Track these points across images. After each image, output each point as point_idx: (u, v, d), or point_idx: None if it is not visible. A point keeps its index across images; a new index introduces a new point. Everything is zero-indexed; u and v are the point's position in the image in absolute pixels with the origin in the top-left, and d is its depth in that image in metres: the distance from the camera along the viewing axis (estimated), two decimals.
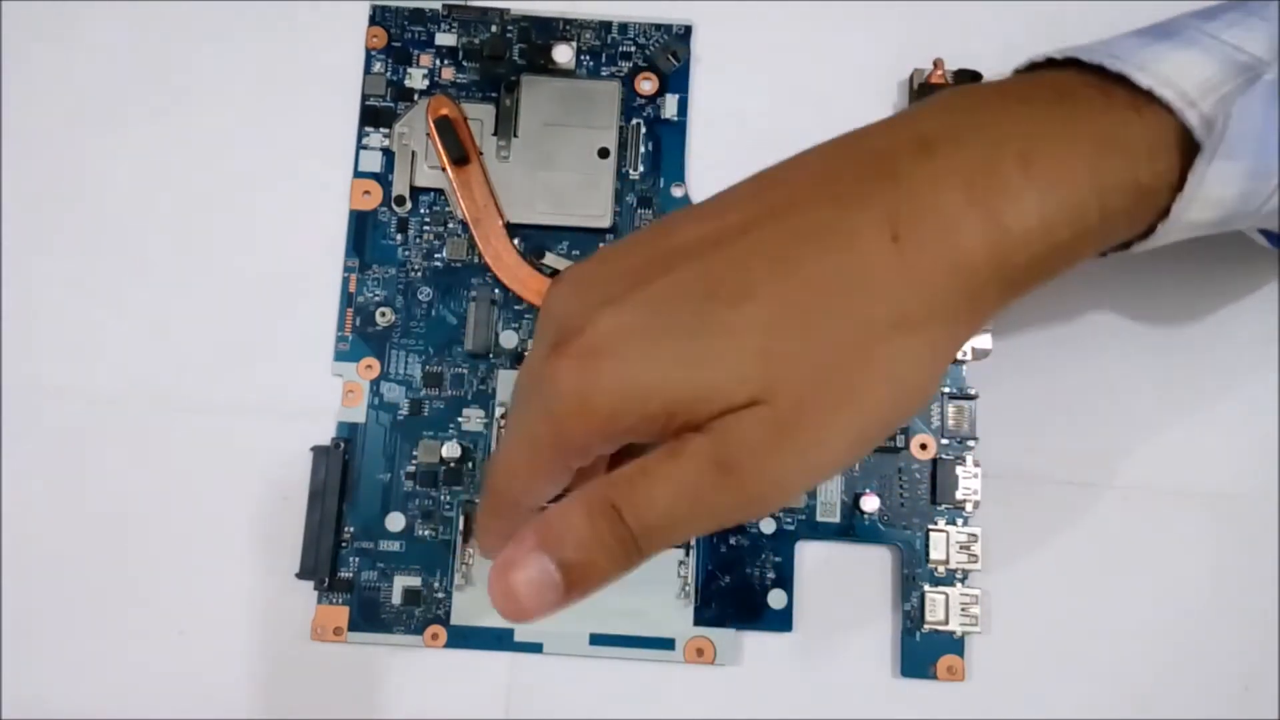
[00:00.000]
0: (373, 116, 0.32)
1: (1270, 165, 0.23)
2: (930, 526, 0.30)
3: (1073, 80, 0.23)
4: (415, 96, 0.32)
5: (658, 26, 0.33)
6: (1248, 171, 0.23)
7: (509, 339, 0.31)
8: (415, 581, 0.30)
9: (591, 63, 0.33)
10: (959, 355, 0.30)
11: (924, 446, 0.31)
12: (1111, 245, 0.24)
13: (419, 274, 0.32)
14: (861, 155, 0.22)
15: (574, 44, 0.32)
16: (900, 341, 0.21)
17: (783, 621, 0.30)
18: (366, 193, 0.32)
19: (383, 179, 0.32)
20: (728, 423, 0.21)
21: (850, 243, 0.21)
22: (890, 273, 0.21)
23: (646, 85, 0.33)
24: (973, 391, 0.31)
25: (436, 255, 0.32)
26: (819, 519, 0.30)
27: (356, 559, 0.30)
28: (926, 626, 0.30)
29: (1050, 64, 0.25)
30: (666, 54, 0.33)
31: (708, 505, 0.21)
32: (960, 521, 0.30)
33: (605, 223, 0.32)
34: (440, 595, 0.30)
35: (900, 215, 0.21)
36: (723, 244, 0.21)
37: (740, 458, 0.21)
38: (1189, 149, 0.22)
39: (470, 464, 0.31)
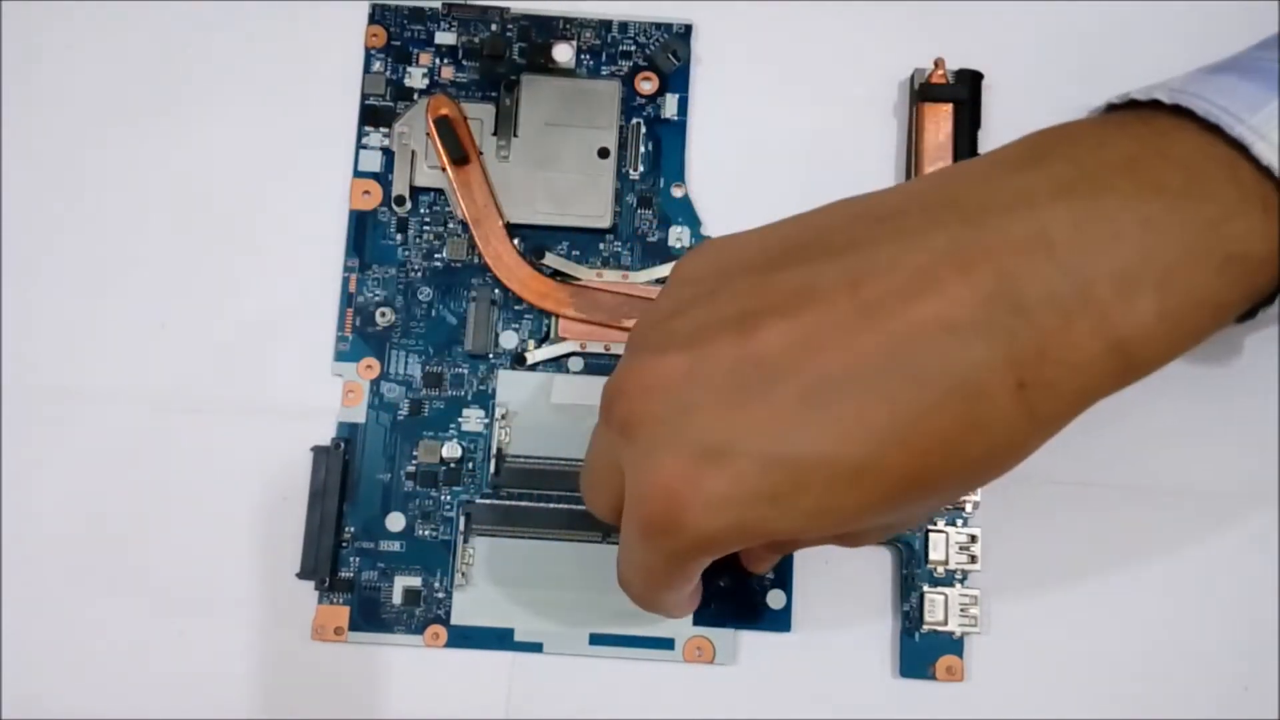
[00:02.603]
0: (372, 116, 0.32)
1: None
2: (929, 527, 0.30)
3: (1196, 154, 0.21)
4: (415, 96, 0.32)
5: (658, 26, 0.33)
6: None
7: (509, 339, 0.31)
8: (415, 581, 0.30)
9: (592, 62, 0.33)
10: None
11: None
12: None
13: (419, 274, 0.32)
14: (970, 247, 0.20)
15: (574, 43, 0.32)
16: (1013, 465, 0.21)
17: (782, 621, 0.30)
18: (366, 193, 0.32)
19: (383, 179, 0.32)
20: None
21: (978, 399, 0.19)
22: (1017, 426, 0.20)
23: (647, 85, 0.33)
24: None
25: (436, 255, 0.32)
26: None
27: (357, 559, 0.30)
28: (926, 627, 0.30)
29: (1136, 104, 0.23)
30: (667, 54, 0.33)
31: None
32: (960, 522, 0.30)
33: (605, 223, 0.32)
34: (440, 595, 0.30)
35: (1027, 364, 0.19)
36: (824, 365, 0.20)
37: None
38: None
39: (470, 464, 0.31)
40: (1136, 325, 0.20)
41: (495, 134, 0.32)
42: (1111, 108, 0.23)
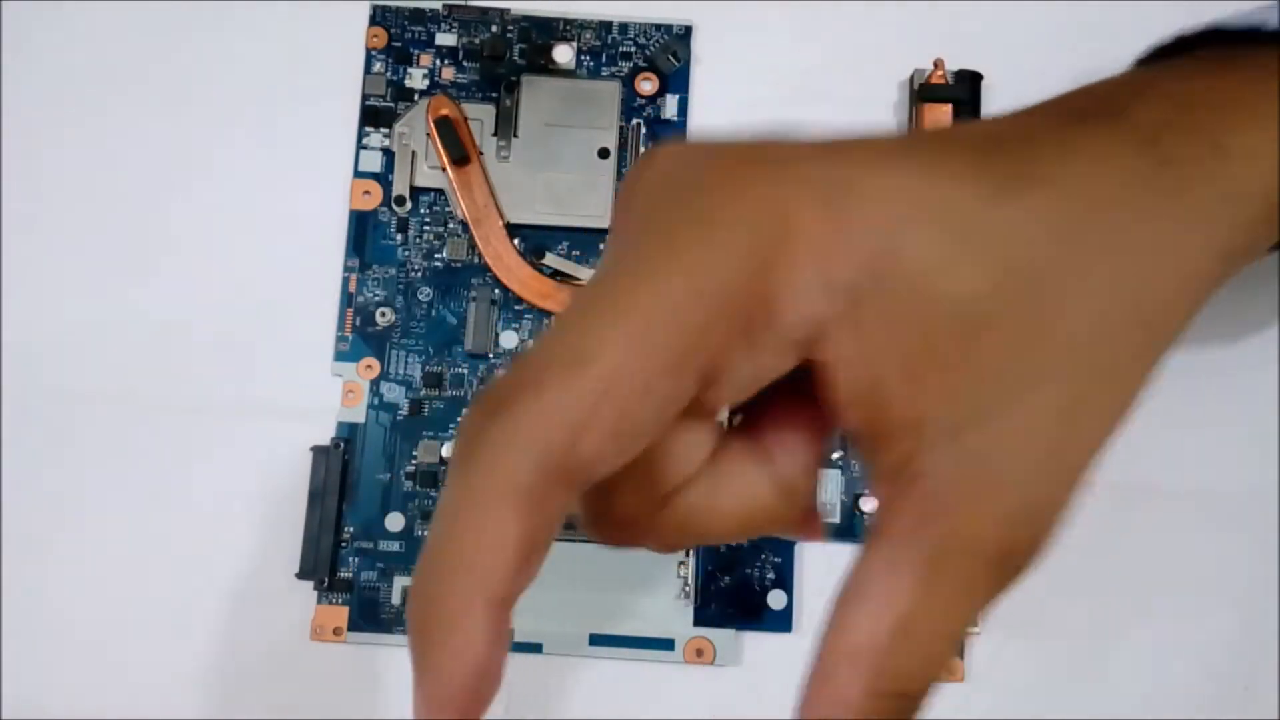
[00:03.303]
0: (373, 116, 0.32)
1: None
2: None
3: (1220, 51, 0.21)
4: (415, 96, 0.32)
5: (658, 26, 0.33)
6: None
7: (509, 339, 0.31)
8: None
9: (592, 63, 0.33)
10: None
11: None
12: None
13: (419, 274, 0.32)
14: (1050, 115, 0.19)
15: (574, 44, 0.32)
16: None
17: (783, 622, 0.30)
18: (366, 193, 0.32)
19: (383, 179, 0.32)
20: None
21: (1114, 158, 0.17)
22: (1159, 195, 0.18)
23: (647, 85, 0.33)
24: None
25: (436, 255, 0.32)
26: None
27: (356, 559, 0.30)
28: None
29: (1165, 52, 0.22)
30: (667, 54, 0.33)
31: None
32: None
33: (605, 223, 0.32)
34: None
35: (1150, 144, 0.18)
36: None
37: None
38: None
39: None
40: (1252, 151, 0.19)
41: (495, 134, 0.32)
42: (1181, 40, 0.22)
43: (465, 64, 0.33)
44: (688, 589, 0.30)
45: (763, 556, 0.30)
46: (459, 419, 0.31)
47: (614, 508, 0.17)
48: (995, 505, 0.16)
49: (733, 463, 0.17)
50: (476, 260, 0.32)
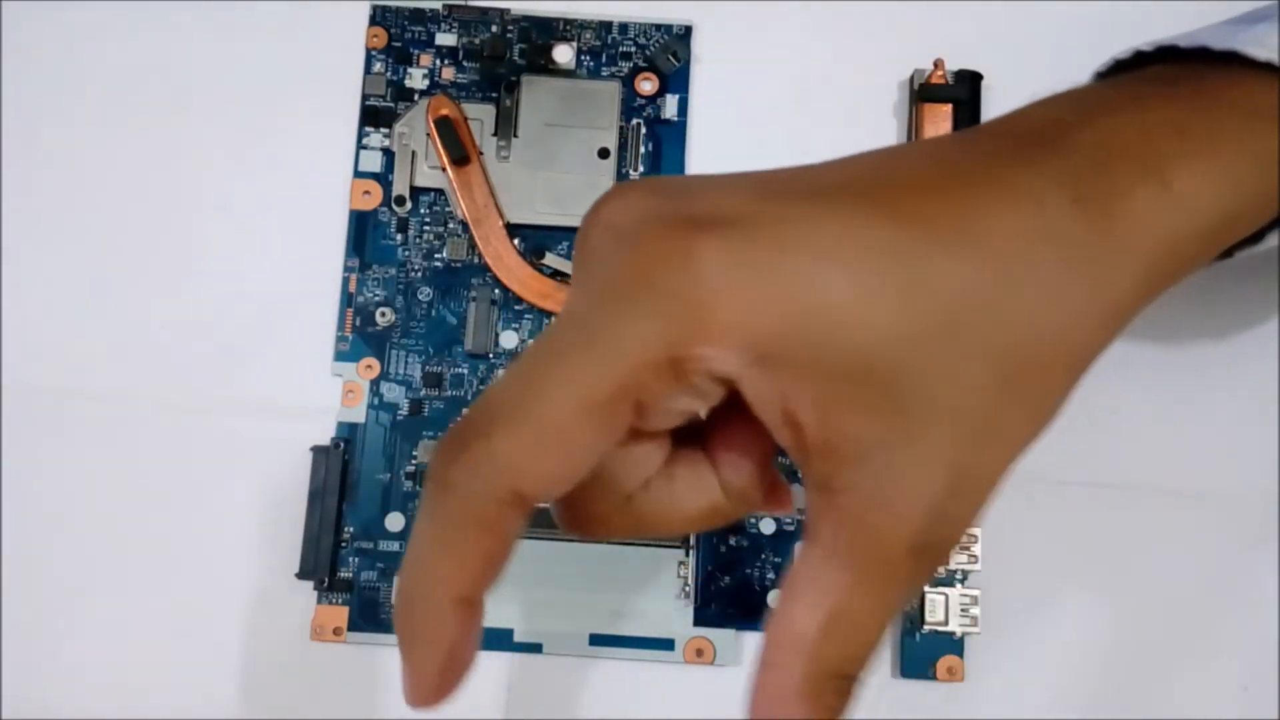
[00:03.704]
0: (373, 116, 0.32)
1: None
2: None
3: (1173, 70, 0.22)
4: (415, 96, 0.32)
5: (658, 26, 0.33)
6: None
7: (509, 339, 0.31)
8: None
9: (592, 63, 0.33)
10: None
11: None
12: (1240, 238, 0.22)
13: (419, 274, 0.32)
14: (997, 137, 0.20)
15: (574, 44, 0.32)
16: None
17: None
18: (366, 193, 0.32)
19: (383, 179, 0.32)
20: None
21: (1037, 204, 0.18)
22: (1079, 231, 0.19)
23: (646, 85, 0.33)
24: None
25: (436, 255, 0.32)
26: None
27: (356, 559, 0.30)
28: (926, 627, 0.30)
29: (1123, 67, 0.23)
30: (666, 54, 0.33)
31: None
32: None
33: None
34: None
35: (1079, 181, 0.19)
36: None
37: None
38: None
39: None
40: (1187, 179, 0.19)
41: (495, 134, 0.32)
42: (1139, 56, 0.23)
43: (465, 64, 0.33)
44: (688, 589, 0.30)
45: (763, 557, 0.30)
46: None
47: (582, 509, 0.20)
48: (907, 516, 0.18)
49: (686, 469, 0.20)
50: (476, 260, 0.32)
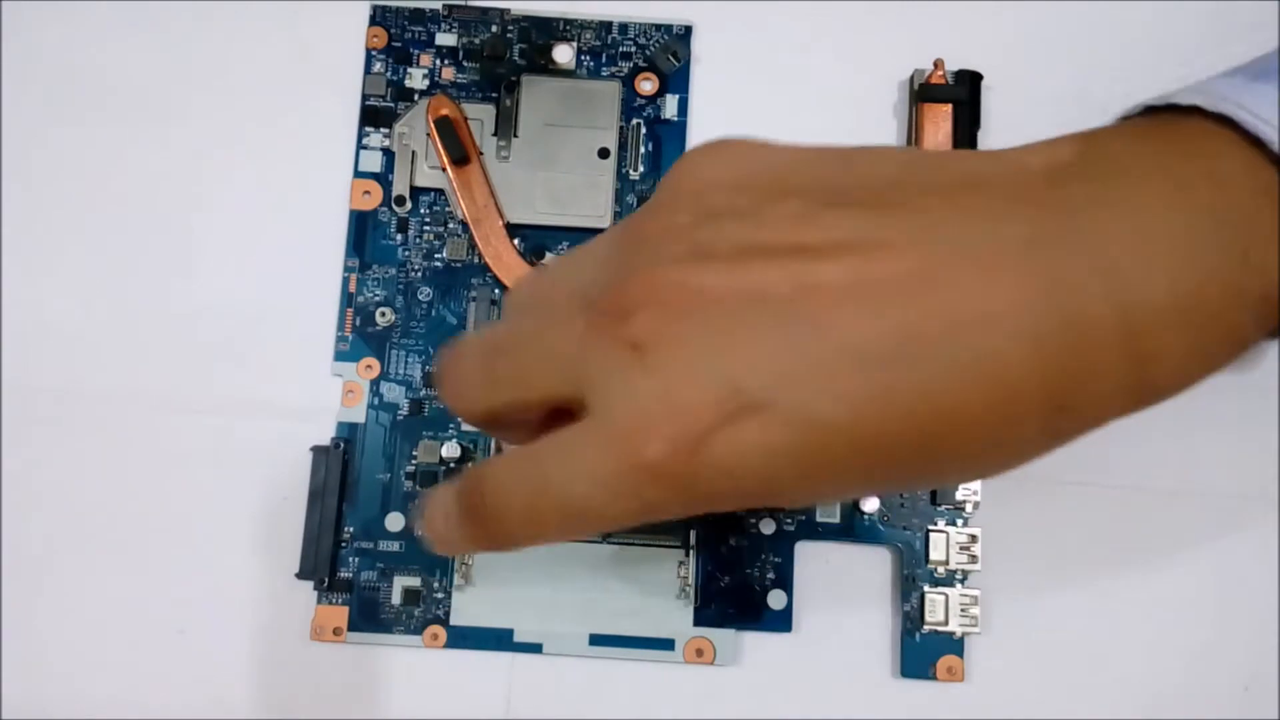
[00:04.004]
0: (373, 116, 0.32)
1: None
2: (930, 527, 0.30)
3: (1238, 174, 0.19)
4: (415, 96, 0.32)
5: (658, 26, 0.33)
6: None
7: None
8: (415, 581, 0.30)
9: (592, 63, 0.33)
10: None
11: None
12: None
13: (419, 274, 0.32)
14: (1042, 256, 0.18)
15: (574, 44, 0.32)
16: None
17: (782, 622, 0.30)
18: (366, 193, 0.32)
19: (383, 179, 0.32)
20: None
21: (1017, 421, 0.18)
22: (1037, 449, 0.19)
23: (646, 85, 0.33)
24: None
25: (436, 255, 0.32)
26: (819, 519, 0.30)
27: (356, 559, 0.30)
28: (926, 627, 0.30)
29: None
30: (666, 54, 0.33)
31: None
32: (960, 522, 0.30)
33: (605, 223, 0.32)
34: (440, 595, 0.30)
35: (1063, 386, 0.18)
36: (881, 320, 0.18)
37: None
38: None
39: (470, 464, 0.31)
40: (1166, 361, 0.19)
41: (495, 134, 0.32)
42: (1149, 110, 0.21)
43: (465, 64, 0.33)
44: (688, 589, 0.30)
45: (763, 557, 0.30)
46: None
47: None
48: None
49: None
50: (476, 260, 0.32)
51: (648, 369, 0.18)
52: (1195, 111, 0.20)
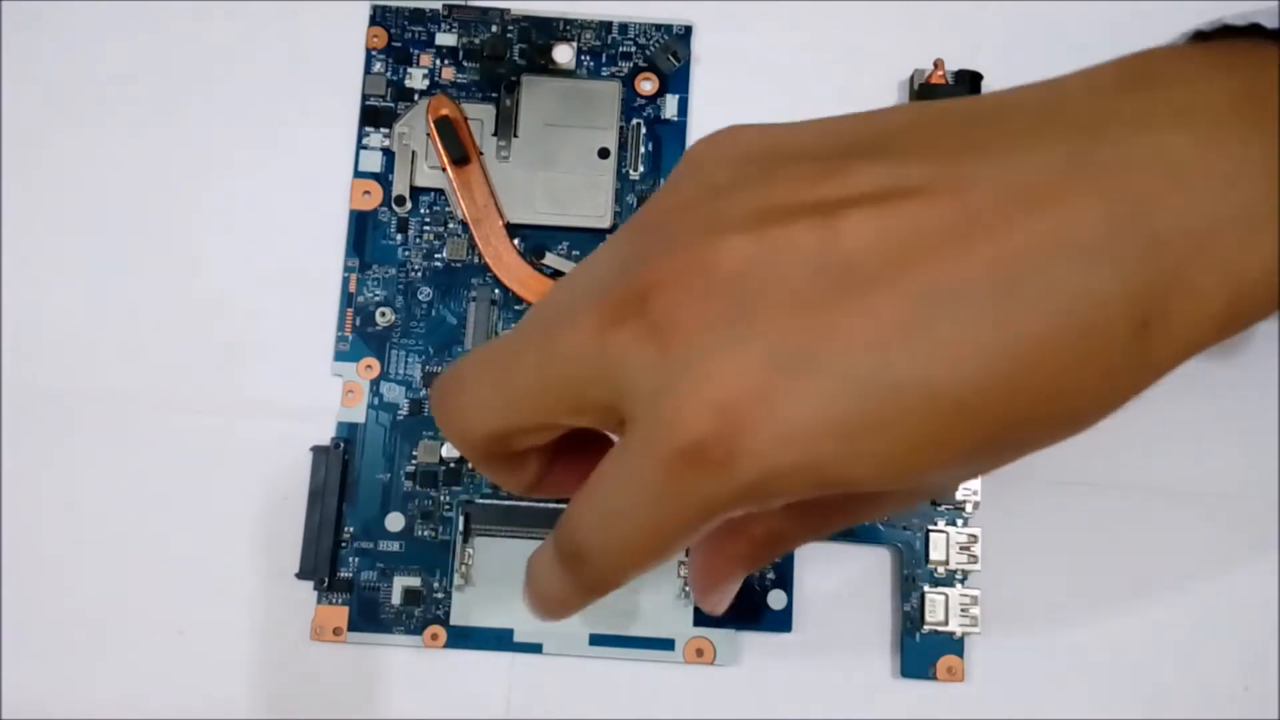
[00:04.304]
0: (373, 116, 0.32)
1: None
2: (930, 527, 0.30)
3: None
4: (415, 96, 0.32)
5: (658, 26, 0.33)
6: None
7: None
8: (415, 581, 0.30)
9: (592, 63, 0.33)
10: None
11: None
12: None
13: (419, 274, 0.32)
14: (1091, 161, 0.17)
15: (574, 44, 0.32)
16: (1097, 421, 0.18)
17: (782, 622, 0.30)
18: (366, 193, 0.32)
19: (383, 179, 0.32)
20: None
21: (1101, 333, 0.17)
22: (1132, 372, 0.17)
23: (647, 85, 0.33)
24: None
25: (436, 255, 0.32)
26: None
27: (356, 559, 0.30)
28: (926, 627, 0.30)
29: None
30: (666, 54, 0.33)
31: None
32: (960, 522, 0.30)
33: (605, 223, 0.32)
34: (440, 595, 0.30)
35: (1155, 300, 0.17)
36: (928, 272, 0.16)
37: (845, 518, 0.21)
38: None
39: (469, 464, 0.31)
40: (1254, 275, 0.17)
41: (495, 134, 0.32)
42: (1199, 35, 0.20)
43: (465, 64, 0.33)
44: (688, 589, 0.30)
45: None
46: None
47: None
48: None
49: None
50: (476, 260, 0.32)
51: (673, 353, 0.16)
52: (1250, 32, 0.19)
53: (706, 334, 0.16)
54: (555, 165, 0.32)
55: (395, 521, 0.30)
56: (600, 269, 0.19)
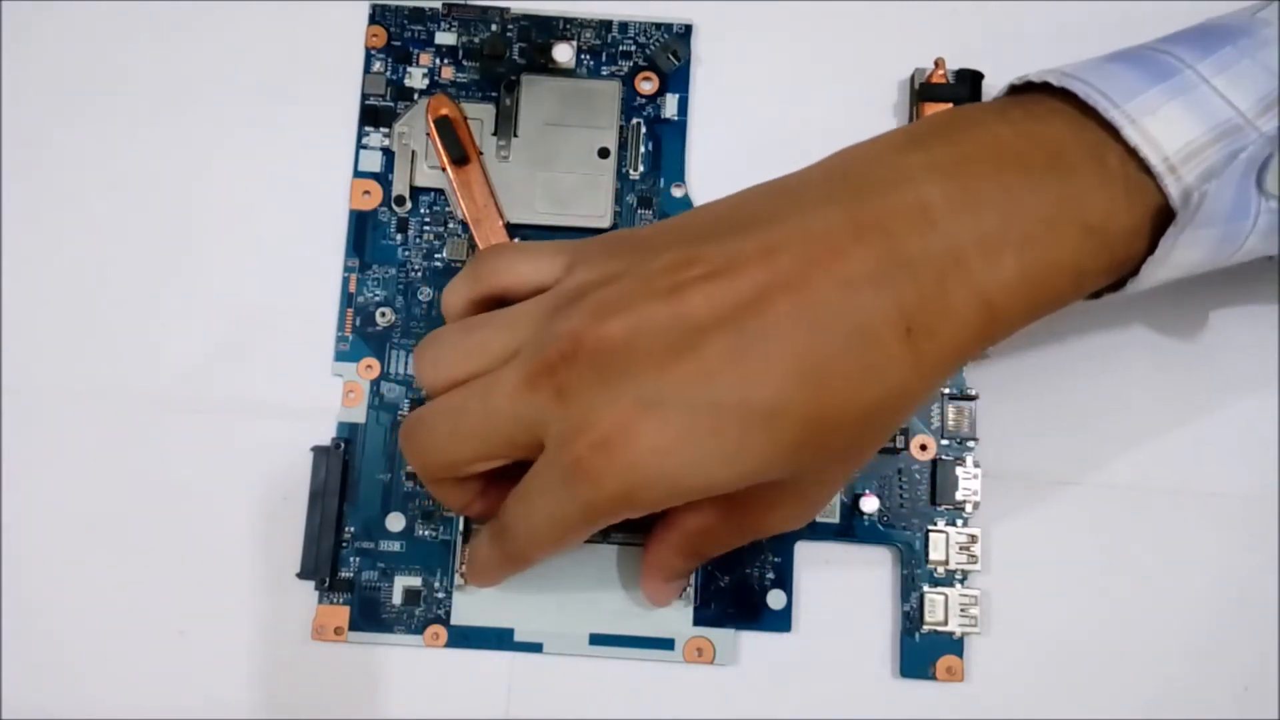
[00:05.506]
0: (373, 116, 0.32)
1: (1240, 230, 0.24)
2: (930, 527, 0.30)
3: (1065, 136, 0.24)
4: (415, 96, 0.32)
5: (658, 26, 0.33)
6: (1217, 238, 0.24)
7: None
8: (415, 581, 0.30)
9: (592, 62, 0.33)
10: None
11: (924, 447, 0.31)
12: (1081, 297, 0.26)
13: (419, 274, 0.32)
14: (861, 216, 0.23)
15: (574, 43, 0.32)
16: (903, 415, 0.24)
17: (782, 622, 0.30)
18: (366, 193, 0.32)
19: (383, 179, 0.32)
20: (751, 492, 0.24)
21: (873, 342, 0.22)
22: (906, 369, 0.23)
23: (646, 85, 0.33)
24: (973, 392, 0.31)
25: (436, 255, 0.32)
26: (818, 520, 0.30)
27: (357, 559, 0.30)
28: (926, 627, 0.30)
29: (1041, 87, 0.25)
30: (666, 54, 0.33)
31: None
32: (960, 522, 0.30)
33: (605, 223, 0.32)
34: (440, 595, 0.30)
35: (913, 311, 0.22)
36: (744, 323, 0.22)
37: (758, 518, 0.26)
38: (1165, 214, 0.24)
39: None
40: (999, 284, 0.23)
41: (495, 134, 0.32)
42: (1013, 88, 0.26)
43: (465, 63, 0.33)
44: (687, 589, 0.30)
45: (762, 557, 0.30)
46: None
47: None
48: None
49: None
50: None
51: (570, 409, 0.23)
52: (1045, 88, 0.24)
53: (593, 391, 0.22)
54: (555, 165, 0.32)
55: (396, 521, 0.30)
56: (520, 334, 0.24)
